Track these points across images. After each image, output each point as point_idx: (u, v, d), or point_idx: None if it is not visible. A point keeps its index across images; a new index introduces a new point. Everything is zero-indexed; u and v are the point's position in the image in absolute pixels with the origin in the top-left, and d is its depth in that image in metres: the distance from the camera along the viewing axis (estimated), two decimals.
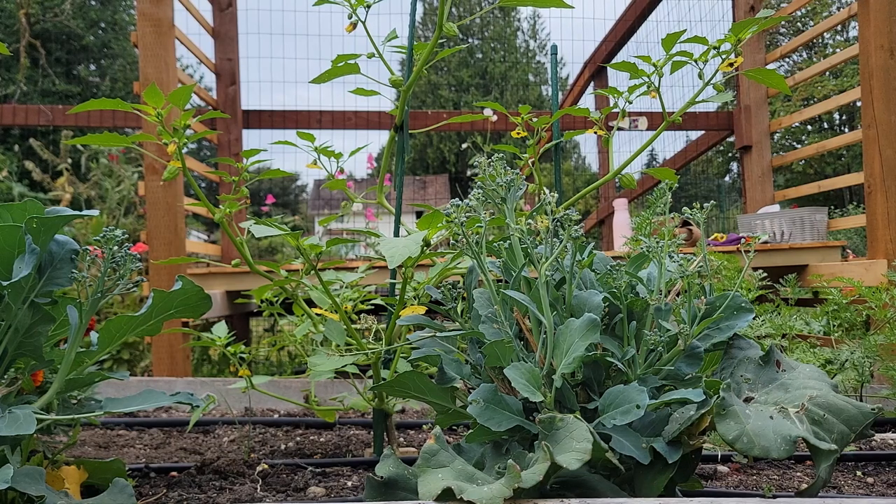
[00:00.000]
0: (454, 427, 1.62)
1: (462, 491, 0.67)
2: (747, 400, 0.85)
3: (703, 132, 4.23)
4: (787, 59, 14.48)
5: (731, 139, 4.06)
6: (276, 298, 1.56)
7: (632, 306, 0.89)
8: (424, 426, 1.71)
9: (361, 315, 1.55)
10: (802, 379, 0.87)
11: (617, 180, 1.14)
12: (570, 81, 5.62)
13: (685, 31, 1.00)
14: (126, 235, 0.97)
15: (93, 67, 18.75)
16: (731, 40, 0.99)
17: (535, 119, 1.22)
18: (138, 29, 2.70)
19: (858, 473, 1.26)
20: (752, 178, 3.78)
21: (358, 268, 1.52)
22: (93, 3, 18.42)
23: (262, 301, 1.54)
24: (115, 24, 18.57)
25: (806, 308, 2.32)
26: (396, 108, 1.29)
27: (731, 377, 0.89)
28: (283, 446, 1.54)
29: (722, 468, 1.27)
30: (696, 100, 1.05)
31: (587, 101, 5.31)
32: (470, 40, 24.78)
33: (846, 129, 16.47)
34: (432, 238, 1.02)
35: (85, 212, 1.02)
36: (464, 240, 0.80)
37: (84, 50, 17.78)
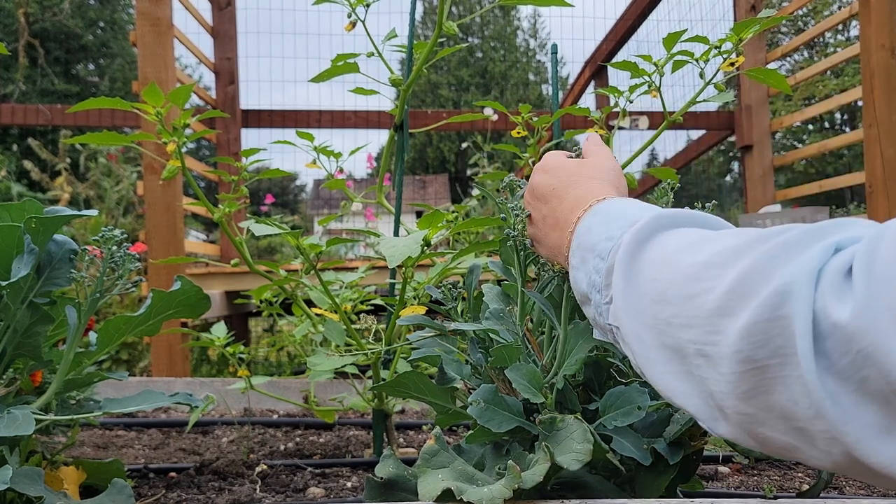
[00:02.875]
0: (454, 427, 1.61)
1: (462, 492, 0.67)
2: None
3: (704, 132, 4.23)
4: (788, 59, 14.48)
5: (733, 139, 4.05)
6: (276, 299, 1.56)
7: None
8: (424, 427, 1.71)
9: (361, 315, 1.55)
10: None
11: None
12: (571, 81, 5.61)
13: (686, 30, 0.99)
14: (125, 235, 0.96)
15: (92, 67, 18.73)
16: (732, 40, 0.99)
17: (535, 118, 1.22)
18: (137, 28, 2.69)
19: None
20: (753, 178, 3.78)
21: (358, 268, 1.52)
22: (91, 2, 18.41)
23: (261, 301, 1.54)
24: (114, 24, 18.56)
25: None
26: (396, 107, 1.28)
27: None
28: (282, 447, 1.54)
29: (723, 469, 1.27)
30: (697, 99, 1.04)
31: (588, 100, 5.30)
32: (470, 39, 24.77)
33: (847, 129, 16.48)
34: (432, 238, 1.02)
35: (84, 211, 1.02)
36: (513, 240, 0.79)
37: (83, 49, 17.76)
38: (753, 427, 0.44)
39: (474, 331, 0.86)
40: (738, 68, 0.99)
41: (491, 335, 0.84)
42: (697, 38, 1.00)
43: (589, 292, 0.58)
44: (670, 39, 0.99)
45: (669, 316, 0.48)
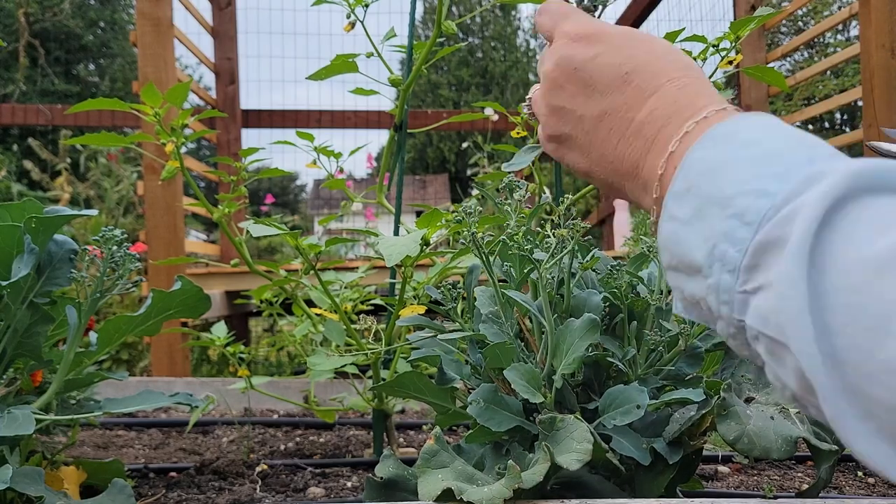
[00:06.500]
0: (454, 427, 1.61)
1: (462, 491, 0.67)
2: (748, 400, 0.84)
3: None
4: (788, 59, 14.43)
5: None
6: (276, 298, 1.56)
7: (632, 306, 0.89)
8: (424, 426, 1.71)
9: (361, 315, 1.55)
10: None
11: None
12: None
13: (684, 29, 0.99)
14: (125, 235, 0.96)
15: (92, 67, 18.73)
16: (729, 38, 0.99)
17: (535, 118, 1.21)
18: (137, 28, 2.69)
19: (859, 474, 1.25)
20: None
21: (358, 268, 1.52)
22: (92, 2, 18.41)
23: (261, 301, 1.54)
24: (115, 24, 18.55)
25: None
26: (396, 107, 1.29)
27: (732, 377, 0.88)
28: (282, 447, 1.54)
29: (723, 468, 1.27)
30: None
31: None
32: (470, 39, 24.77)
33: (847, 129, 16.47)
34: (432, 237, 1.02)
35: (84, 211, 1.02)
36: (472, 240, 0.79)
37: (83, 49, 17.76)
38: None
39: (472, 332, 0.87)
40: (736, 66, 0.99)
41: (487, 336, 0.84)
42: (695, 38, 1.00)
43: (709, 265, 0.38)
44: (668, 39, 0.99)
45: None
